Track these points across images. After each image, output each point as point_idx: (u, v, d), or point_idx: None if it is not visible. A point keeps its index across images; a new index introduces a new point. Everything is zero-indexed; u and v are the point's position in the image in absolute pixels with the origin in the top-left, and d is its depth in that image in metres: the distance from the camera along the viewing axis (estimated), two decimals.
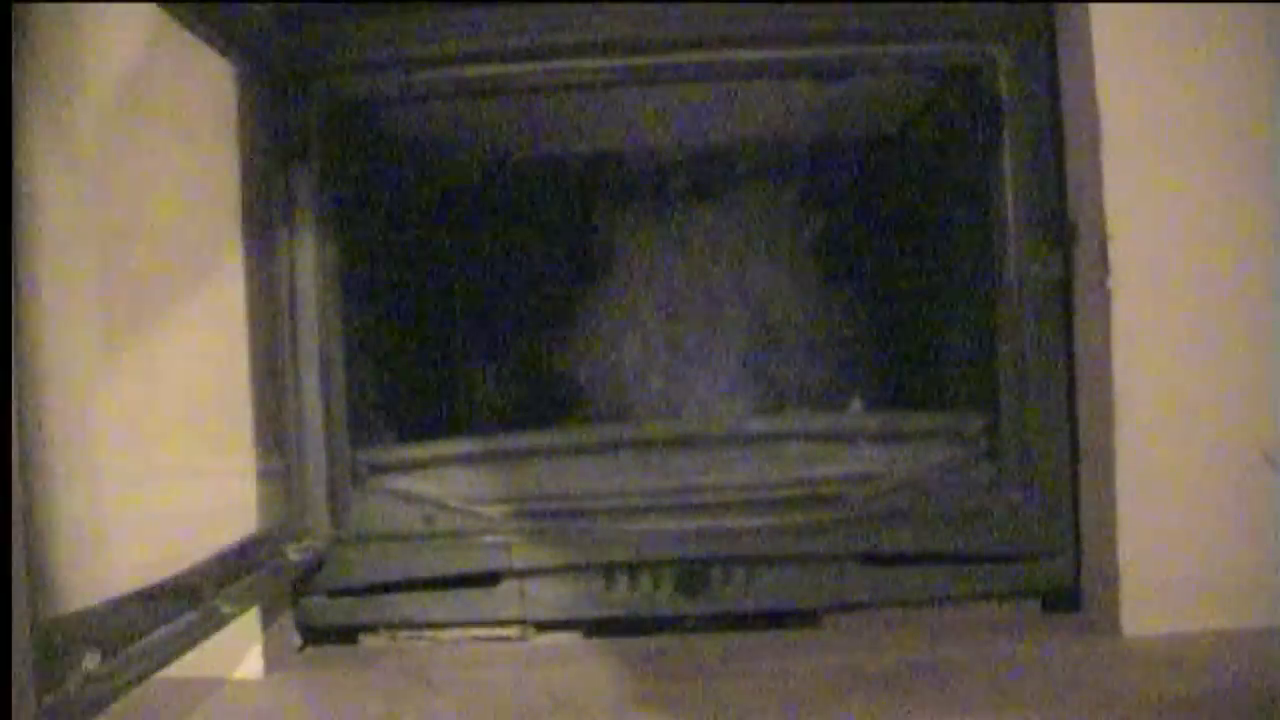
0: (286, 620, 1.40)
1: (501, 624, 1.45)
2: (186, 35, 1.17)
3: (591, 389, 2.14)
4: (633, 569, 1.43)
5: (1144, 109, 1.28)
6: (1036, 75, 1.40)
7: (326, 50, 1.41)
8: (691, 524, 1.43)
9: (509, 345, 2.14)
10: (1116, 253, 1.28)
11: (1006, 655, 1.27)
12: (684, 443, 1.52)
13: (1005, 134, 1.41)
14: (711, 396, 2.13)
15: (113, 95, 1.29)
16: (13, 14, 0.78)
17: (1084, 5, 1.29)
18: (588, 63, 1.44)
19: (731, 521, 1.43)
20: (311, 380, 1.42)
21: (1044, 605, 1.43)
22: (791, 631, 1.42)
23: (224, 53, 1.26)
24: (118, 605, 0.91)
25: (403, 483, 1.47)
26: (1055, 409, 1.40)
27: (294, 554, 1.35)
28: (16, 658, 0.68)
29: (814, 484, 1.45)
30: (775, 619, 1.44)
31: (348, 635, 1.46)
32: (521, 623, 1.44)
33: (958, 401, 1.68)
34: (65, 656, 0.79)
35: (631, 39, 1.42)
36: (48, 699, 0.73)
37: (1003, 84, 1.41)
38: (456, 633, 1.45)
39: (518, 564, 1.43)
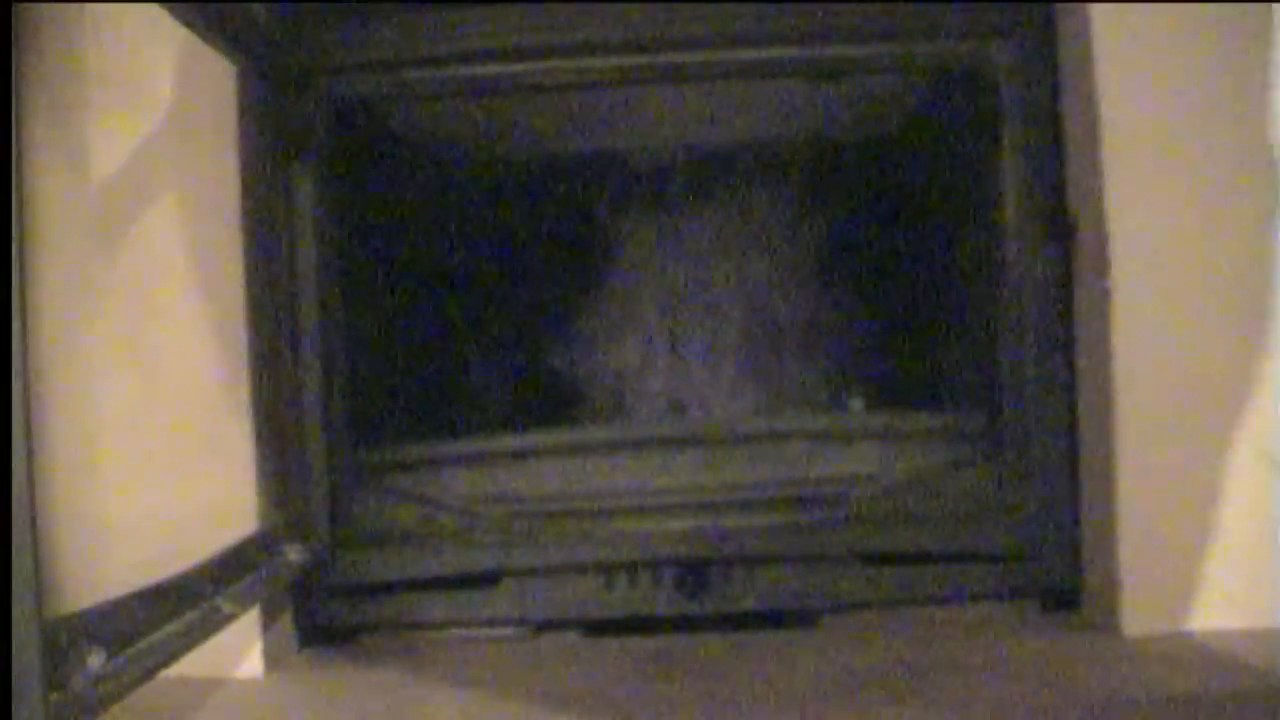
0: (286, 620, 1.40)
1: (501, 624, 1.45)
2: (186, 35, 1.17)
3: (591, 389, 2.14)
4: (633, 569, 1.43)
5: (1144, 109, 1.28)
6: (1036, 75, 1.40)
7: (326, 50, 1.41)
8: (691, 524, 1.43)
9: (509, 345, 2.14)
10: (1116, 251, 1.28)
11: (1006, 655, 1.27)
12: (684, 443, 1.52)
13: (1005, 134, 1.41)
14: (711, 396, 2.13)
15: (113, 95, 1.29)
16: (13, 14, 0.78)
17: (1084, 5, 1.30)
18: (588, 62, 1.44)
19: (731, 521, 1.43)
20: (311, 380, 1.42)
21: (1044, 605, 1.43)
22: (791, 631, 1.42)
23: (224, 53, 1.25)
24: (121, 605, 0.91)
25: (403, 483, 1.47)
26: (1055, 409, 1.40)
27: (294, 554, 1.34)
28: (22, 657, 0.68)
29: (814, 484, 1.45)
30: (775, 619, 1.44)
31: (348, 635, 1.46)
32: (521, 623, 1.44)
33: (958, 401, 1.68)
34: (70, 655, 0.79)
35: (632, 39, 1.42)
36: (54, 698, 0.73)
37: (1003, 84, 1.41)
38: (456, 633, 1.45)
39: (518, 564, 1.43)
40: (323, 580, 1.43)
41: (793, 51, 1.43)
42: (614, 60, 1.43)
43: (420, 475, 1.49)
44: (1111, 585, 1.30)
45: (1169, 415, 1.28)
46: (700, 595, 1.43)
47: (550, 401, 2.13)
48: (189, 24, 1.15)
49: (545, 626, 1.45)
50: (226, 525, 1.25)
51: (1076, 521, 1.39)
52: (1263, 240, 1.27)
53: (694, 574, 1.43)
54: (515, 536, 1.43)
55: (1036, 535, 1.40)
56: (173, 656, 0.96)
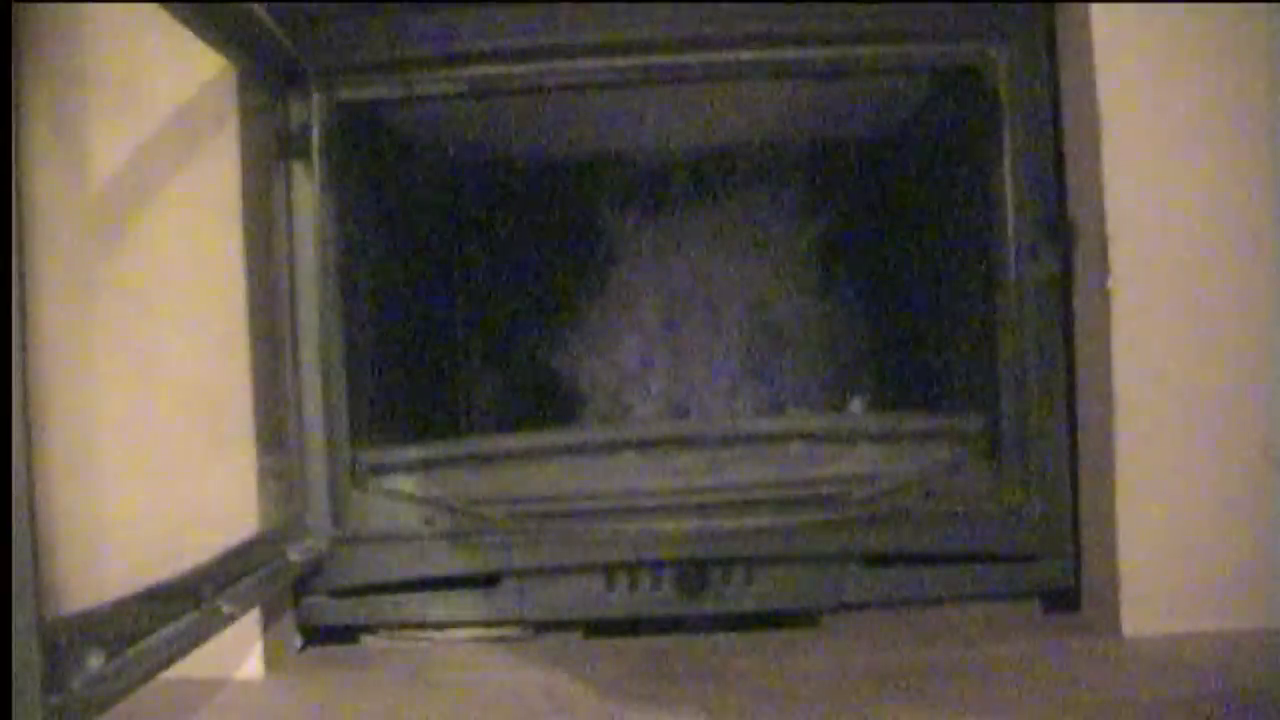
0: (287, 621, 1.40)
1: (501, 624, 1.45)
2: (186, 35, 1.17)
3: (592, 389, 2.14)
4: (633, 569, 1.43)
5: (1144, 109, 1.28)
6: (1036, 75, 1.40)
7: (326, 50, 1.41)
8: (691, 524, 1.43)
9: (509, 345, 2.15)
10: (1116, 253, 1.28)
11: (1006, 655, 1.27)
12: (684, 443, 1.52)
13: (1005, 134, 1.41)
14: (712, 397, 2.13)
15: (113, 95, 1.29)
16: (13, 14, 0.78)
17: (1084, 5, 1.30)
18: (588, 63, 1.44)
19: (731, 521, 1.43)
20: (312, 380, 1.42)
21: (1044, 605, 1.43)
22: (791, 631, 1.42)
23: (224, 53, 1.25)
24: (120, 605, 0.91)
25: (403, 483, 1.47)
26: (1055, 409, 1.40)
27: (294, 554, 1.34)
28: (22, 657, 0.68)
29: (814, 484, 1.45)
30: (775, 619, 1.44)
31: (348, 635, 1.46)
32: (521, 623, 1.44)
33: (958, 401, 1.68)
34: (70, 656, 0.79)
35: (632, 39, 1.42)
36: (53, 699, 0.73)
37: (1003, 84, 1.41)
38: (456, 633, 1.45)
39: (518, 564, 1.43)
40: (323, 580, 1.43)
41: (793, 52, 1.43)
42: (614, 61, 1.43)
43: (420, 475, 1.49)
44: (1111, 585, 1.30)
45: (1169, 415, 1.28)
46: (700, 595, 1.43)
47: (550, 402, 2.13)
48: (189, 24, 1.15)
49: (545, 626, 1.45)
50: (226, 525, 1.25)
51: (1076, 521, 1.40)
52: (1263, 240, 1.27)
53: (694, 574, 1.43)
54: (515, 536, 1.43)
55: (1036, 535, 1.40)
56: (173, 657, 0.96)
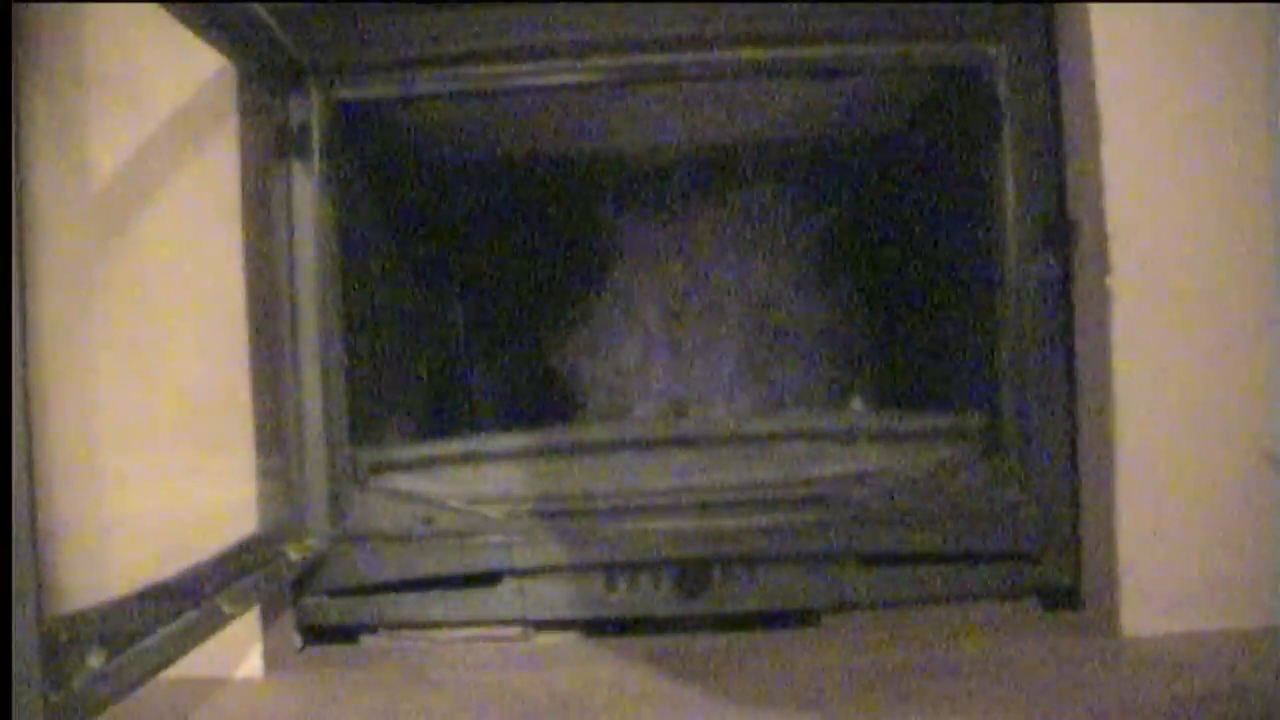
0: (286, 620, 1.40)
1: (501, 624, 1.45)
2: (186, 35, 1.17)
3: (592, 388, 2.14)
4: (633, 569, 1.43)
5: (1144, 109, 1.28)
6: (1036, 75, 1.40)
7: (326, 50, 1.41)
8: (691, 524, 1.43)
9: (509, 344, 2.14)
10: (1116, 252, 1.28)
11: (1006, 655, 1.27)
12: (684, 443, 1.52)
13: (1005, 134, 1.41)
14: (712, 396, 2.13)
15: (113, 95, 1.29)
16: (13, 14, 0.78)
17: (1084, 5, 1.30)
18: (588, 63, 1.44)
19: (731, 521, 1.43)
20: (311, 380, 1.42)
21: (1044, 605, 1.43)
22: (791, 631, 1.42)
23: (224, 53, 1.25)
24: (121, 605, 0.91)
25: (403, 483, 1.47)
26: (1055, 409, 1.40)
27: (294, 554, 1.34)
28: (22, 656, 0.68)
29: (814, 484, 1.45)
30: (775, 619, 1.44)
31: (348, 635, 1.46)
32: (521, 623, 1.44)
33: (958, 401, 1.68)
34: (70, 655, 0.79)
35: (631, 39, 1.42)
36: (54, 698, 0.73)
37: (1002, 84, 1.41)
38: (456, 633, 1.45)
39: (518, 564, 1.43)
40: (323, 580, 1.43)
41: (792, 51, 1.43)
42: (614, 61, 1.43)
43: (420, 475, 1.49)
44: (1111, 585, 1.30)
45: (1169, 415, 1.28)
46: (700, 595, 1.43)
47: (550, 401, 2.13)
48: (189, 24, 1.15)
49: (545, 626, 1.45)
50: (226, 525, 1.25)
51: (1076, 521, 1.40)
52: (1262, 240, 1.27)
53: (694, 574, 1.43)
54: (515, 536, 1.43)
55: (1036, 535, 1.40)
56: (173, 656, 0.97)
